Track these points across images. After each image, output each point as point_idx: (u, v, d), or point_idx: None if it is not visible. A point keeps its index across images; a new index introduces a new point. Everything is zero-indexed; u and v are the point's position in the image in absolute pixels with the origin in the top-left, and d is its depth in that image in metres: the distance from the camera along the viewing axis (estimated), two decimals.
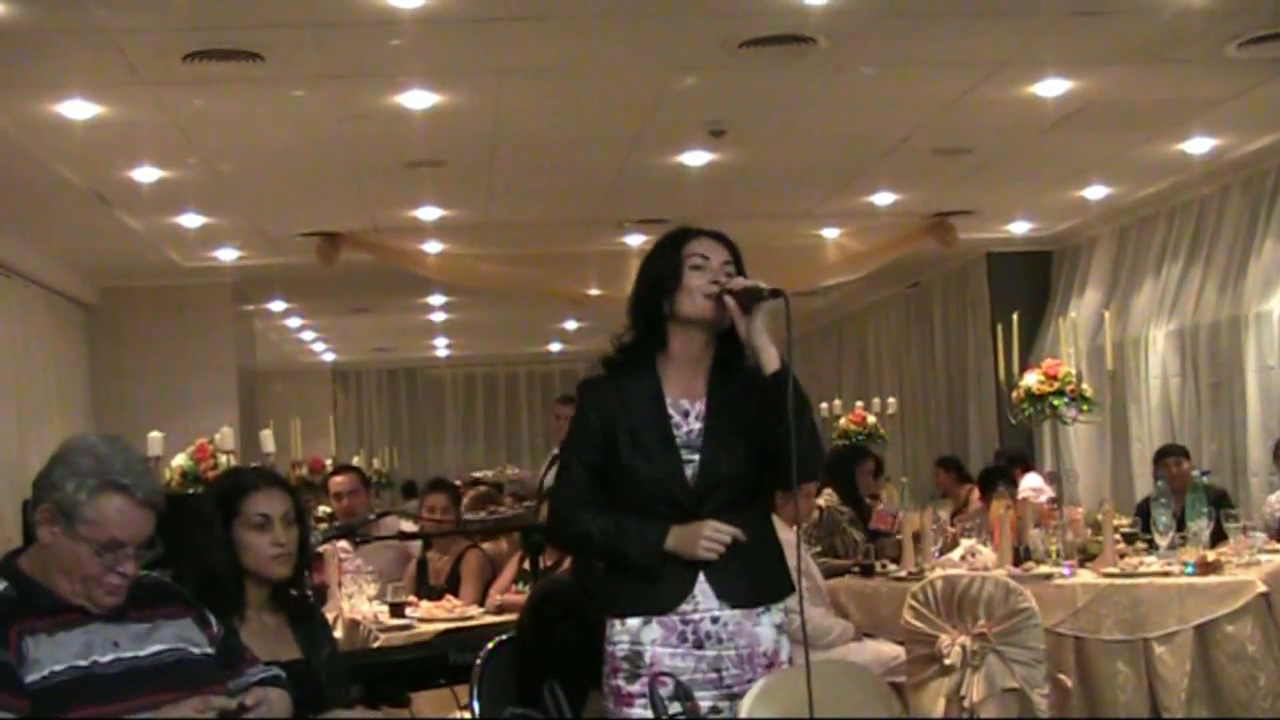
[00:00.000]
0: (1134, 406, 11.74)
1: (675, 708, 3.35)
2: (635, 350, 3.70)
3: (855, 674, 3.96)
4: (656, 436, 3.59)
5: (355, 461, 15.87)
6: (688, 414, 3.63)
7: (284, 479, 4.21)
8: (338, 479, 8.25)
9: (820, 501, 8.71)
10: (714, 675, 3.55)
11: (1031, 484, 9.09)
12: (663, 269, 3.66)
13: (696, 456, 3.59)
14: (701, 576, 3.55)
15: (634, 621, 3.57)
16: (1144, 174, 10.71)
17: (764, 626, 3.61)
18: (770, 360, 3.54)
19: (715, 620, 3.55)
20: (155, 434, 8.84)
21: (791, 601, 3.75)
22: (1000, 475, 9.40)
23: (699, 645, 3.55)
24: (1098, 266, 12.63)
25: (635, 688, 3.54)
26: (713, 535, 3.51)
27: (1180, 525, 7.08)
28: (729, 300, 3.56)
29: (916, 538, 7.87)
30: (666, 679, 3.43)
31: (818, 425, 3.70)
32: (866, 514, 9.13)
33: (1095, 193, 11.38)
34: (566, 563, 6.07)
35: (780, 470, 3.53)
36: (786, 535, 5.46)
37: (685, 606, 3.55)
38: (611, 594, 3.64)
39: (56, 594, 3.11)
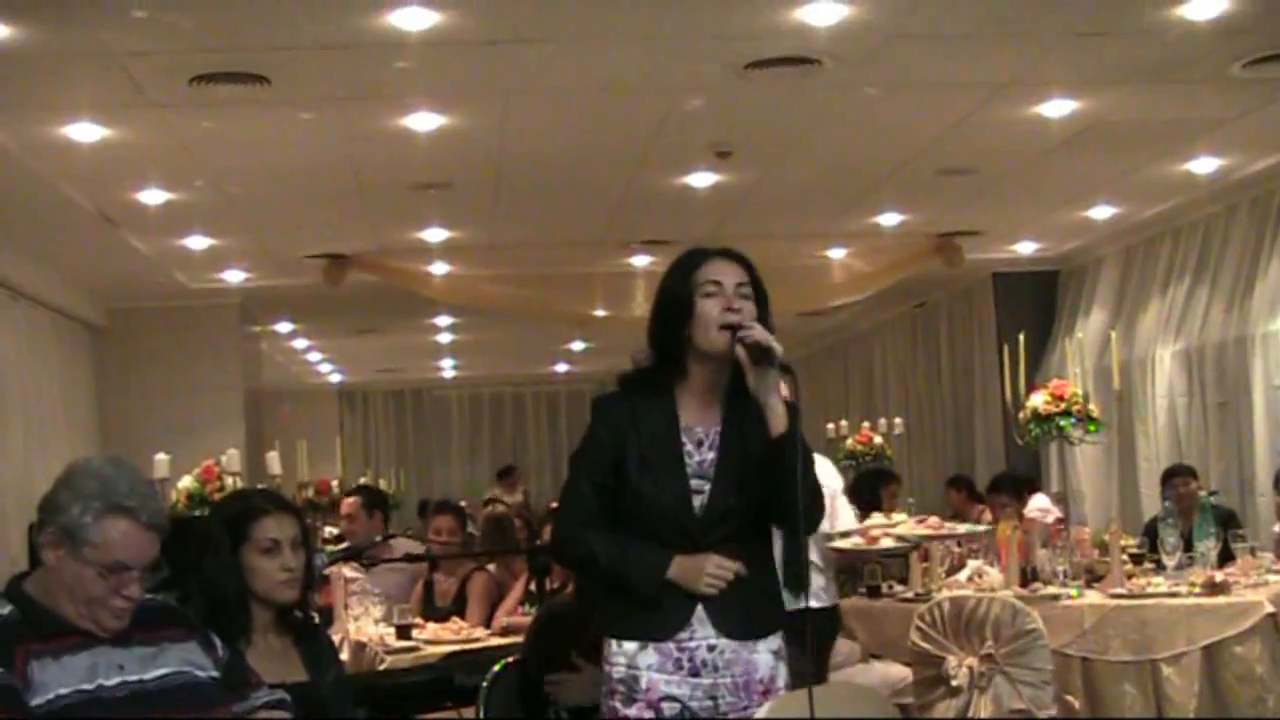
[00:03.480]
0: (1141, 427, 11.72)
1: None
2: (652, 373, 3.66)
3: (862, 696, 3.95)
4: (667, 463, 3.56)
5: (362, 482, 15.89)
6: (701, 443, 3.59)
7: (291, 502, 4.22)
8: (346, 501, 8.32)
9: None
10: (709, 703, 3.52)
11: (1038, 504, 9.08)
12: (675, 298, 3.60)
13: (706, 486, 3.55)
14: (700, 607, 3.53)
15: (630, 645, 3.55)
16: (1150, 194, 10.72)
17: (761, 654, 3.58)
18: (778, 421, 3.49)
19: (712, 648, 3.53)
20: (161, 456, 8.84)
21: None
22: (1013, 484, 9.38)
23: (695, 673, 3.52)
24: (1104, 286, 12.62)
25: (631, 711, 3.52)
26: (715, 571, 3.49)
27: (1188, 546, 7.06)
28: (739, 351, 3.50)
29: (924, 558, 7.86)
30: (674, 702, 3.42)
31: (817, 479, 3.64)
32: None
33: (1101, 213, 11.38)
34: (572, 586, 6.06)
35: (781, 521, 3.53)
36: None
37: (682, 634, 3.53)
38: (610, 614, 3.62)
39: (62, 617, 3.11)
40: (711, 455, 3.58)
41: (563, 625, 4.43)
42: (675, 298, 3.60)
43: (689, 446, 3.58)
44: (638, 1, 6.42)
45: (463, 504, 9.35)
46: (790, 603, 4.80)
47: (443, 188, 9.52)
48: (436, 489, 20.83)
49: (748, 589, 3.54)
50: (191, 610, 3.45)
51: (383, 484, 18.45)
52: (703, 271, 3.60)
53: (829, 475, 5.45)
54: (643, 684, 3.52)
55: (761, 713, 3.35)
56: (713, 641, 3.53)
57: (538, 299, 12.87)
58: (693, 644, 3.52)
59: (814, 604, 4.94)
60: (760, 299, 3.63)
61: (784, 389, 3.55)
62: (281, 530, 3.80)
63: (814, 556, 5.19)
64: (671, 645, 3.52)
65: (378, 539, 7.23)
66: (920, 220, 11.40)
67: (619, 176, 9.50)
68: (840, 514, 5.67)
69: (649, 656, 3.53)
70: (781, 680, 3.60)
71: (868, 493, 9.44)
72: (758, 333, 3.51)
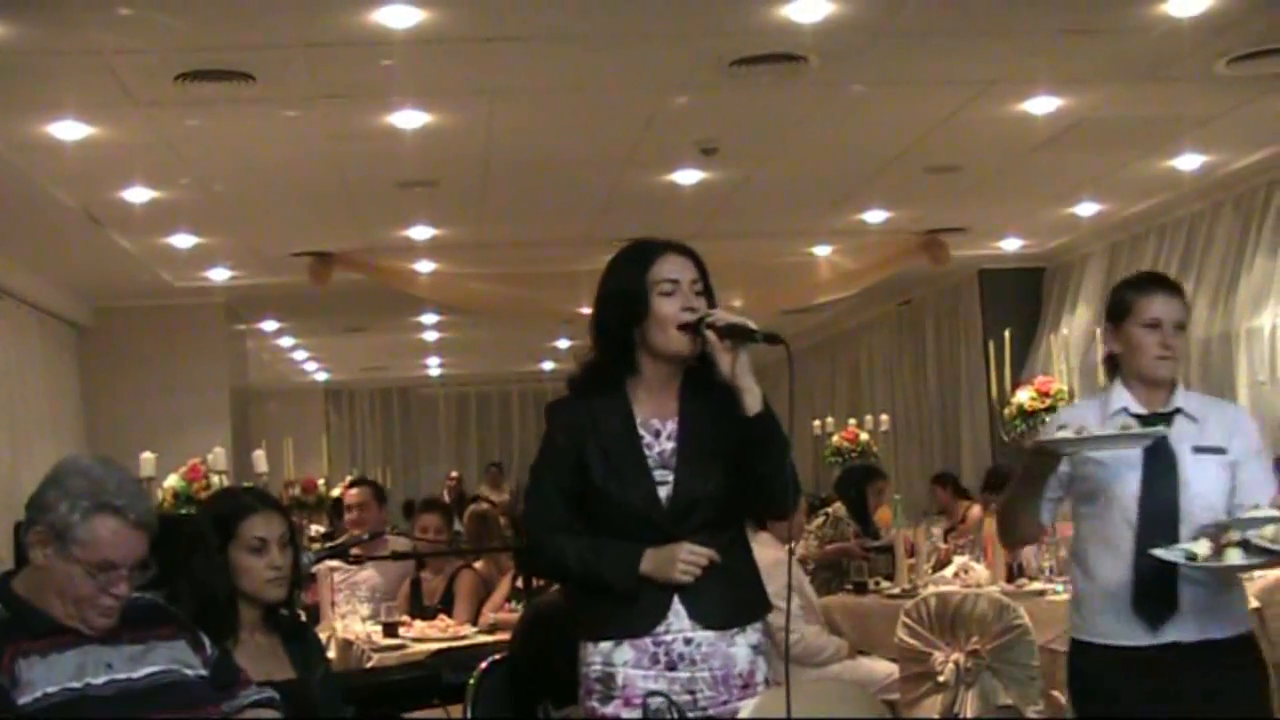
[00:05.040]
0: None
1: None
2: (602, 371, 3.58)
3: (848, 692, 3.96)
4: (628, 459, 3.50)
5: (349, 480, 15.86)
6: (659, 433, 3.53)
7: (278, 501, 4.22)
8: (352, 492, 8.30)
9: (829, 509, 8.79)
10: (688, 697, 3.46)
11: None
12: (628, 294, 3.52)
13: (671, 477, 3.49)
14: (676, 598, 3.46)
15: (606, 643, 3.49)
16: (1135, 191, 10.74)
17: (739, 647, 3.52)
18: (754, 402, 3.42)
19: (688, 642, 3.47)
20: (148, 455, 8.85)
21: (781, 619, 3.71)
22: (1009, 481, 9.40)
23: (671, 667, 3.46)
24: (1089, 283, 12.65)
25: (609, 710, 3.47)
26: (688, 558, 3.42)
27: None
28: (709, 335, 3.42)
29: (910, 553, 7.89)
30: (659, 697, 3.40)
31: (792, 464, 3.54)
32: (875, 532, 9.19)
33: (1086, 210, 11.41)
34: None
35: (762, 505, 3.48)
36: (778, 554, 5.45)
37: (658, 628, 3.47)
38: (586, 617, 3.56)
39: (50, 616, 3.11)
40: (671, 445, 3.52)
41: (550, 622, 4.44)
42: (629, 294, 3.51)
43: (648, 439, 3.52)
44: None
45: (454, 474, 9.25)
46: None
47: (429, 186, 9.52)
48: (424, 488, 20.83)
49: (724, 577, 3.48)
50: (180, 609, 3.45)
51: None
52: (657, 269, 3.52)
53: (1251, 432, 4.02)
54: (619, 681, 3.46)
55: (746, 711, 3.35)
56: (689, 634, 3.47)
57: (524, 297, 12.87)
58: (669, 637, 3.46)
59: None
60: (709, 295, 3.55)
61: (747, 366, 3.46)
62: (269, 529, 3.80)
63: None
64: (648, 640, 3.47)
65: (365, 536, 7.22)
66: (906, 217, 11.41)
67: (605, 174, 9.50)
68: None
69: (624, 653, 3.47)
70: (761, 674, 3.54)
71: (854, 491, 9.47)
72: (721, 315, 3.45)
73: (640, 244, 3.62)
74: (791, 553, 3.75)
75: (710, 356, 3.46)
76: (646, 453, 3.51)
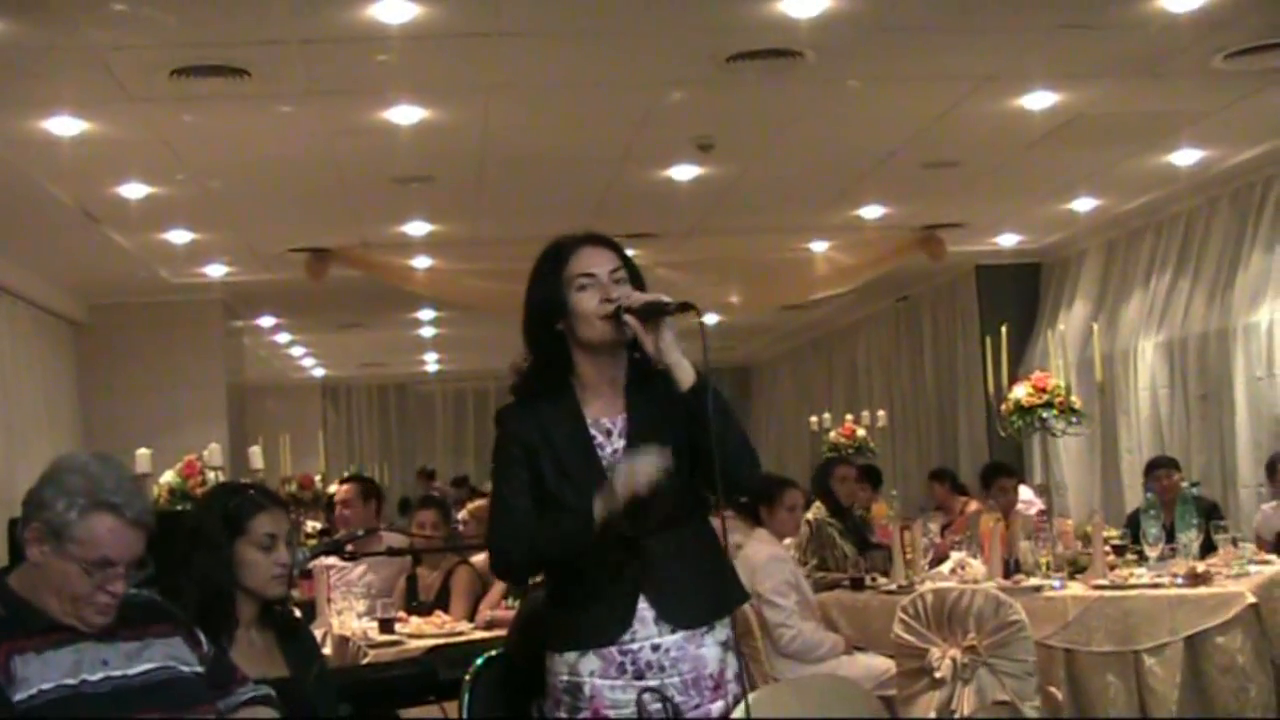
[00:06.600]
0: (1123, 418, 11.76)
1: None
2: (544, 375, 3.51)
3: (844, 688, 3.95)
4: (582, 462, 3.41)
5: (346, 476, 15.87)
6: (610, 432, 3.45)
7: (281, 498, 4.22)
8: (341, 488, 8.29)
9: (810, 515, 8.71)
10: (658, 705, 3.35)
11: (1022, 496, 9.10)
12: (547, 295, 3.49)
13: None
14: (643, 600, 3.37)
15: (571, 654, 3.41)
16: (1132, 186, 10.74)
17: (708, 647, 3.43)
18: (685, 376, 3.35)
19: (656, 648, 3.37)
20: (143, 451, 8.82)
21: (779, 616, 3.69)
22: (1004, 472, 9.37)
23: (639, 676, 3.37)
24: (1086, 279, 12.66)
25: None
26: (639, 468, 3.28)
27: (1170, 537, 7.09)
28: (629, 320, 3.35)
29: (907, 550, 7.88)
30: (654, 694, 3.37)
31: (746, 433, 3.49)
32: (856, 524, 9.13)
33: (1083, 205, 11.41)
34: None
35: (712, 484, 3.40)
36: (774, 550, 5.46)
37: (624, 637, 3.37)
38: (551, 626, 3.49)
39: (46, 613, 3.10)
40: (623, 443, 3.44)
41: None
42: (548, 298, 3.48)
43: (599, 439, 3.45)
44: None
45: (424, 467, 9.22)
46: None
47: (425, 181, 9.52)
48: (422, 484, 20.83)
49: (691, 572, 3.41)
50: (181, 604, 3.44)
51: None
52: (573, 265, 3.48)
53: None
54: (587, 691, 3.38)
55: (738, 711, 3.33)
56: (656, 641, 3.37)
57: (521, 293, 12.83)
58: (634, 645, 3.37)
59: None
60: (636, 280, 3.49)
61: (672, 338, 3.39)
62: (277, 526, 3.82)
63: None
64: (614, 649, 3.37)
65: (360, 533, 7.22)
66: (903, 213, 11.41)
67: (601, 170, 9.49)
68: None
69: (591, 662, 3.38)
70: (731, 672, 3.46)
71: (824, 486, 9.39)
72: (636, 296, 3.38)
73: (555, 243, 3.58)
74: (800, 560, 3.74)
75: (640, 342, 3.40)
76: (600, 454, 3.43)
